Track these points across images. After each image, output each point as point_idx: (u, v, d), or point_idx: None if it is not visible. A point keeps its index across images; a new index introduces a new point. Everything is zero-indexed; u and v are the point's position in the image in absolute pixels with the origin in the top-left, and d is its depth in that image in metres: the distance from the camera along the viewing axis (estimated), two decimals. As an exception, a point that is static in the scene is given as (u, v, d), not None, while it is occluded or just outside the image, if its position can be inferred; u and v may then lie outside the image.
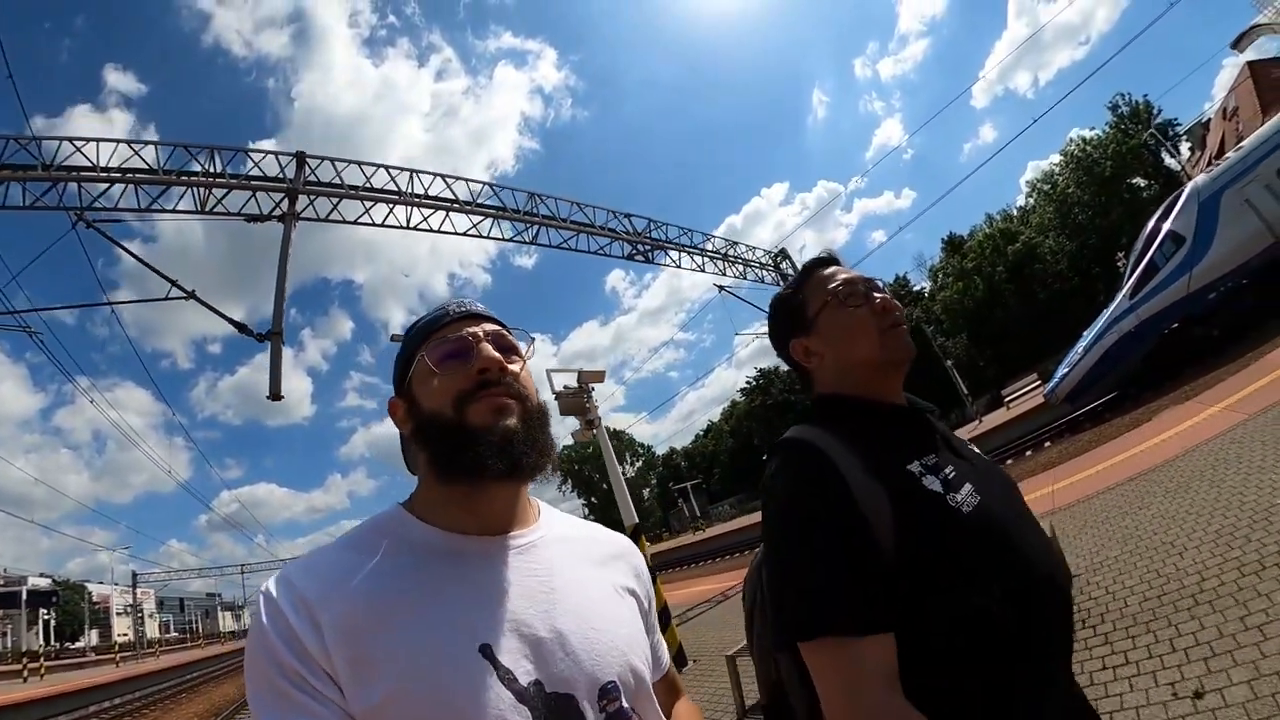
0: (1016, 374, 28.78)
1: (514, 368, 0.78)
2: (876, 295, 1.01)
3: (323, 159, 10.69)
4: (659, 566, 25.85)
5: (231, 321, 9.06)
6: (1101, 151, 38.84)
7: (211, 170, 9.60)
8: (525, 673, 0.64)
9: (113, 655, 28.77)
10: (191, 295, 9.04)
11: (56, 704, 14.82)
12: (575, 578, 0.77)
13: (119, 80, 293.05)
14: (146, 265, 9.39)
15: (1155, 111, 39.62)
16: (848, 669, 0.73)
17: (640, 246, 13.59)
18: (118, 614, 57.81)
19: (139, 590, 51.03)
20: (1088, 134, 40.89)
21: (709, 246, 15.62)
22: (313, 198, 10.29)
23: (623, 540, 0.92)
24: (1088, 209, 38.59)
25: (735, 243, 16.69)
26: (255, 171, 10.06)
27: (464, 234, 12.66)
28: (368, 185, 11.47)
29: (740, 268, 16.53)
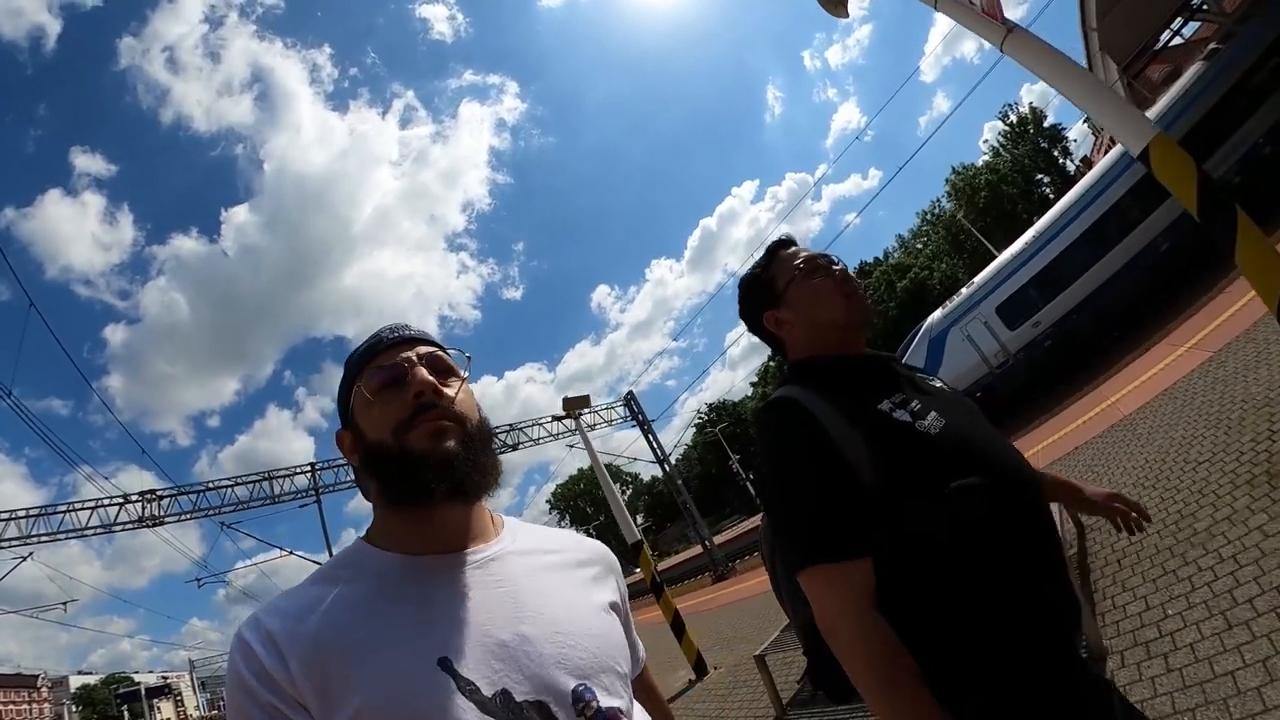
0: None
1: (450, 390, 0.78)
2: (835, 267, 1.15)
3: (332, 460, 17.29)
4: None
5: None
6: (977, 181, 43.44)
7: (273, 481, 16.81)
8: (490, 683, 0.64)
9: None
10: (292, 553, 16.49)
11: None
12: (541, 584, 0.78)
13: (88, 163, 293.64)
14: (260, 540, 15.85)
15: (1043, 116, 43.33)
16: (833, 591, 0.87)
17: (508, 442, 18.41)
18: (159, 699, 61.55)
19: (178, 674, 55.31)
20: (965, 162, 45.47)
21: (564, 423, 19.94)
22: (332, 487, 17.14)
23: (592, 543, 0.92)
24: (973, 236, 42.27)
25: (583, 410, 21.38)
26: (297, 467, 17.30)
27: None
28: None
29: (594, 420, 20.53)
